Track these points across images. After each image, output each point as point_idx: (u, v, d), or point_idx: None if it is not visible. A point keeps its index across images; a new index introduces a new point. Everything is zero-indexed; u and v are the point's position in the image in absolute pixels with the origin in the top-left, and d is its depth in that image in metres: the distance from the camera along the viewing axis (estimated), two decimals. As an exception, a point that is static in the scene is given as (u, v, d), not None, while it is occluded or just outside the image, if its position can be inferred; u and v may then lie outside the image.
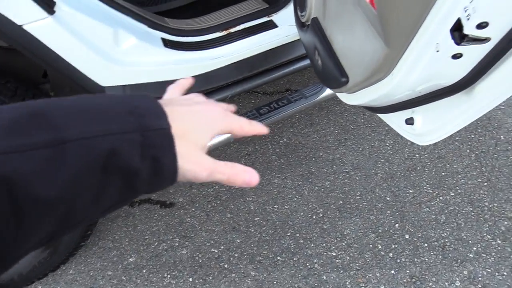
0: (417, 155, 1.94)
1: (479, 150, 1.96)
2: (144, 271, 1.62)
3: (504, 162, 1.89)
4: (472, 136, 2.02)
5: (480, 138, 2.01)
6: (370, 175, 1.87)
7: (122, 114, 0.37)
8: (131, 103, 0.39)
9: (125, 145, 0.35)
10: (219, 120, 0.46)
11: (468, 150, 1.96)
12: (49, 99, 0.37)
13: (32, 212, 0.32)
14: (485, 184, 1.81)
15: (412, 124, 0.87)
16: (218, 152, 2.02)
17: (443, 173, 1.86)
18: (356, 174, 1.87)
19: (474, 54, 0.56)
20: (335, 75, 0.97)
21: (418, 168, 1.88)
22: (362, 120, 2.13)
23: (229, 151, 2.04)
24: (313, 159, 1.96)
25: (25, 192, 0.31)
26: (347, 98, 1.06)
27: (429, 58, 0.61)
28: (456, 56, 0.56)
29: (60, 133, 0.33)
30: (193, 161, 0.41)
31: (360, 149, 1.99)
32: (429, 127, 0.83)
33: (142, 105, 0.39)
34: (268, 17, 1.59)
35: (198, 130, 0.43)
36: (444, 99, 0.72)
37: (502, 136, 2.02)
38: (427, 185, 1.81)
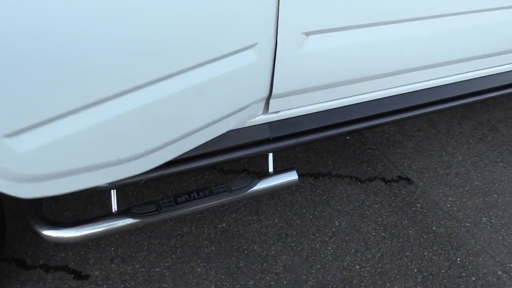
0: (357, 266, 1.78)
1: (428, 271, 1.78)
2: None
3: (453, 291, 1.70)
4: (425, 253, 1.85)
5: (433, 257, 1.84)
6: (299, 281, 1.71)
7: None
8: None
9: None
10: None
11: (415, 270, 1.78)
12: None
13: None
14: (424, 314, 1.62)
15: None
16: (152, 227, 1.92)
17: (379, 293, 1.68)
18: (285, 277, 1.72)
19: None
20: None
21: (354, 282, 1.71)
22: (311, 216, 1.99)
23: (163, 228, 1.92)
24: (246, 252, 1.82)
25: None
26: None
27: None
28: None
29: None
30: None
31: (299, 248, 1.84)
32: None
33: None
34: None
35: None
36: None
37: (458, 259, 1.84)
38: (359, 304, 1.64)
